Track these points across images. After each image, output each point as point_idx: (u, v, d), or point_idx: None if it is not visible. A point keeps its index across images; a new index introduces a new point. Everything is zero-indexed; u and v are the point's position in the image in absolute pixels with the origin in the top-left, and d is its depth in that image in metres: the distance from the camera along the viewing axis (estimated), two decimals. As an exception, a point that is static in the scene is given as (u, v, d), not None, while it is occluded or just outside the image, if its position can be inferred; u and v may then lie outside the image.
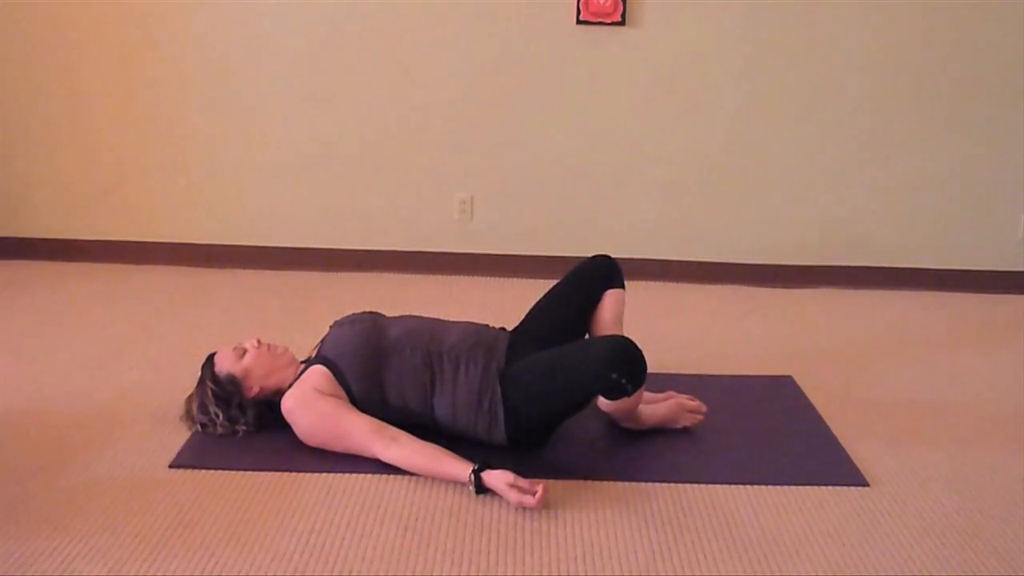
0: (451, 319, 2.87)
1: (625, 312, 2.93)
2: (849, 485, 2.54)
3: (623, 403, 2.60)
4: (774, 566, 2.18)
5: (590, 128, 4.22)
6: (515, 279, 4.31)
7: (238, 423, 2.68)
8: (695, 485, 2.52)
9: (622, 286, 2.93)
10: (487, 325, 2.84)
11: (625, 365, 2.45)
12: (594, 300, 2.90)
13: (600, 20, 4.05)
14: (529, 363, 2.61)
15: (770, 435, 2.82)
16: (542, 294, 2.99)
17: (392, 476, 2.50)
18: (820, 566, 2.18)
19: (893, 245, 4.35)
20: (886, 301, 4.20)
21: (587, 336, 2.91)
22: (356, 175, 4.31)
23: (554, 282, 3.00)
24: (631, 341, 2.50)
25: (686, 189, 4.30)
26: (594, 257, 2.98)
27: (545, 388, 2.55)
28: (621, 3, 4.01)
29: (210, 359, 2.74)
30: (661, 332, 3.64)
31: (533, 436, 2.64)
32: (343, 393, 2.60)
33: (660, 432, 2.78)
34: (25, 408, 2.88)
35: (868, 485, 2.54)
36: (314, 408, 2.56)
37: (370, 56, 4.15)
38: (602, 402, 2.64)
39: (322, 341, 2.77)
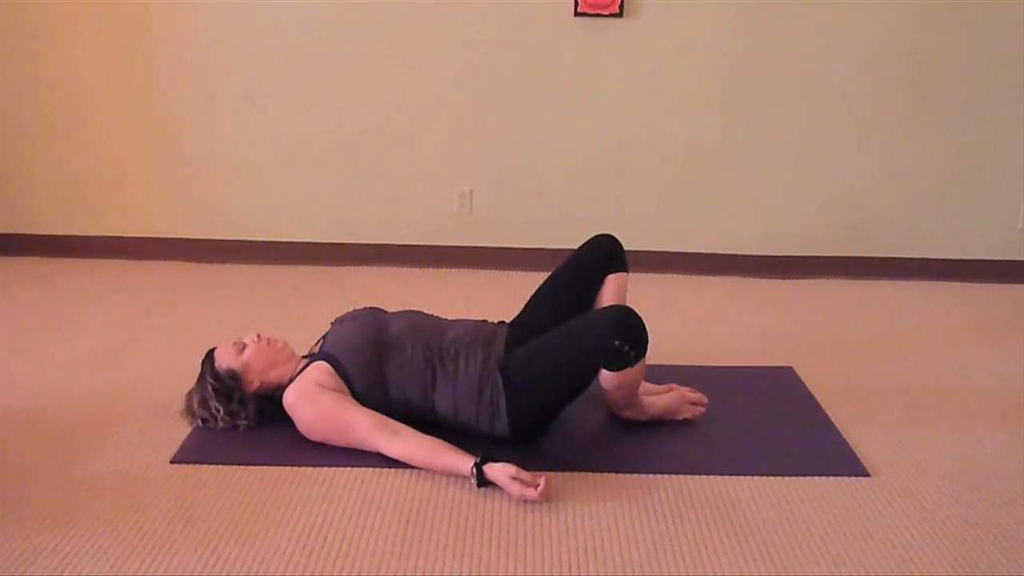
0: (451, 314, 2.87)
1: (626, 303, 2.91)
2: (850, 475, 2.54)
3: (624, 378, 2.55)
4: (775, 557, 2.18)
5: (589, 120, 4.21)
6: (515, 272, 4.31)
7: (239, 418, 2.68)
8: (696, 476, 2.52)
9: (625, 269, 2.87)
10: (485, 321, 2.84)
11: (627, 332, 2.44)
12: (596, 285, 2.85)
13: (598, 12, 4.04)
14: (529, 346, 2.61)
15: (771, 426, 2.82)
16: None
17: (394, 470, 2.50)
18: (821, 556, 2.19)
19: (893, 235, 4.35)
20: (886, 291, 4.19)
21: None
22: (355, 169, 4.30)
23: (555, 273, 2.99)
24: (632, 309, 2.49)
25: (685, 180, 4.29)
26: (596, 237, 2.91)
27: (547, 365, 2.54)
28: (619, -6, 4.01)
29: (210, 354, 2.75)
30: (662, 324, 3.62)
31: (536, 424, 2.64)
32: (345, 388, 2.60)
33: (661, 424, 2.78)
34: (26, 404, 2.88)
35: (869, 475, 2.55)
36: (316, 402, 2.57)
37: (368, 49, 4.15)
38: (604, 378, 2.56)
39: (324, 337, 2.77)
